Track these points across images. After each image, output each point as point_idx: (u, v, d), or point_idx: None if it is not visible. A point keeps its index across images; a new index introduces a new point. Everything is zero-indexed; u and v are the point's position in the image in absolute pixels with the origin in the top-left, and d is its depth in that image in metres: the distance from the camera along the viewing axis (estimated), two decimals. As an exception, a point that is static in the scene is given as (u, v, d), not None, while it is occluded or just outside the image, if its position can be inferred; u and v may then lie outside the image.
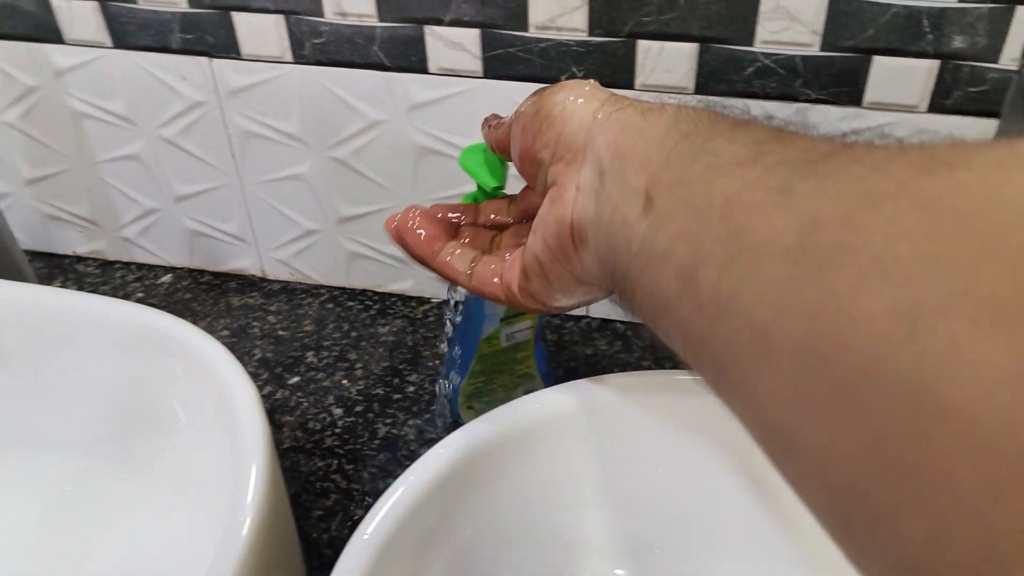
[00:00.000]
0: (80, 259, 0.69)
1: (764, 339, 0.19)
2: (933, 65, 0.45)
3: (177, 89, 0.58)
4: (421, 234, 0.37)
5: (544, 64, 0.51)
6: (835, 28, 0.46)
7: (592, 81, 0.32)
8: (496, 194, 0.40)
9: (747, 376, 0.20)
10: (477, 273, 0.36)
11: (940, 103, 0.46)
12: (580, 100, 0.30)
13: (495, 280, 0.36)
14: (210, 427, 0.43)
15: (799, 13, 0.45)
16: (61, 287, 0.66)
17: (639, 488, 0.42)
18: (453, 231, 0.39)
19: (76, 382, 0.49)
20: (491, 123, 0.38)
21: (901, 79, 0.46)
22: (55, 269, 0.68)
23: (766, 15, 0.46)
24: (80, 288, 0.66)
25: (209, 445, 0.43)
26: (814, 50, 0.47)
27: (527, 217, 0.39)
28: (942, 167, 0.17)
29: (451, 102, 0.53)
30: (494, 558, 0.40)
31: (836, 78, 0.47)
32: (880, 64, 0.46)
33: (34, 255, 0.69)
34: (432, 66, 0.52)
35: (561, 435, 0.41)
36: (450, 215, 0.39)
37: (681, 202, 0.24)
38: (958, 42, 0.44)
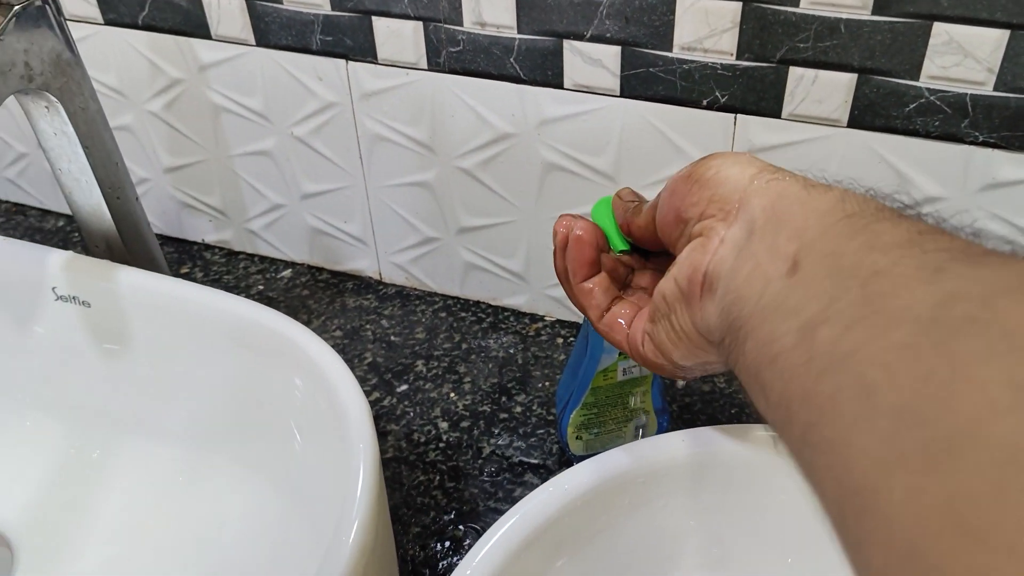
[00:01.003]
0: (208, 247, 0.71)
1: (869, 396, 0.19)
2: (1126, 113, 0.41)
3: (312, 89, 0.58)
4: (587, 247, 0.36)
5: (685, 87, 0.48)
6: (1013, 67, 0.41)
7: (746, 152, 0.32)
8: (622, 256, 0.38)
9: (841, 433, 0.20)
10: (611, 314, 0.36)
11: None
12: (736, 166, 0.30)
13: (622, 324, 0.35)
14: (321, 435, 0.43)
15: (973, 49, 0.42)
16: (188, 273, 0.68)
17: (752, 559, 0.40)
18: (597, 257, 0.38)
19: (197, 375, 0.49)
20: (624, 198, 0.37)
21: (1086, 126, 0.42)
22: (184, 255, 0.70)
23: (936, 48, 0.42)
24: (205, 275, 0.68)
25: (319, 454, 0.43)
26: (987, 89, 0.43)
27: (658, 270, 0.38)
28: None
29: (583, 119, 0.52)
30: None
31: (1009, 121, 0.43)
32: (1063, 108, 0.42)
33: (166, 240, 0.72)
34: (568, 81, 0.51)
35: (677, 485, 0.38)
36: (596, 235, 0.38)
37: (828, 269, 0.24)
38: None
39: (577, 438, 0.49)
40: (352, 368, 0.59)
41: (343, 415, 0.40)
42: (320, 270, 0.68)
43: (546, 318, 0.63)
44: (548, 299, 0.62)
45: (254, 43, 0.58)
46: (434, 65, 0.54)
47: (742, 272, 0.27)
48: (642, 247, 0.37)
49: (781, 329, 0.24)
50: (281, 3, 0.55)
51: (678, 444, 0.38)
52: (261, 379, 0.46)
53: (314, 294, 0.66)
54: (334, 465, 0.40)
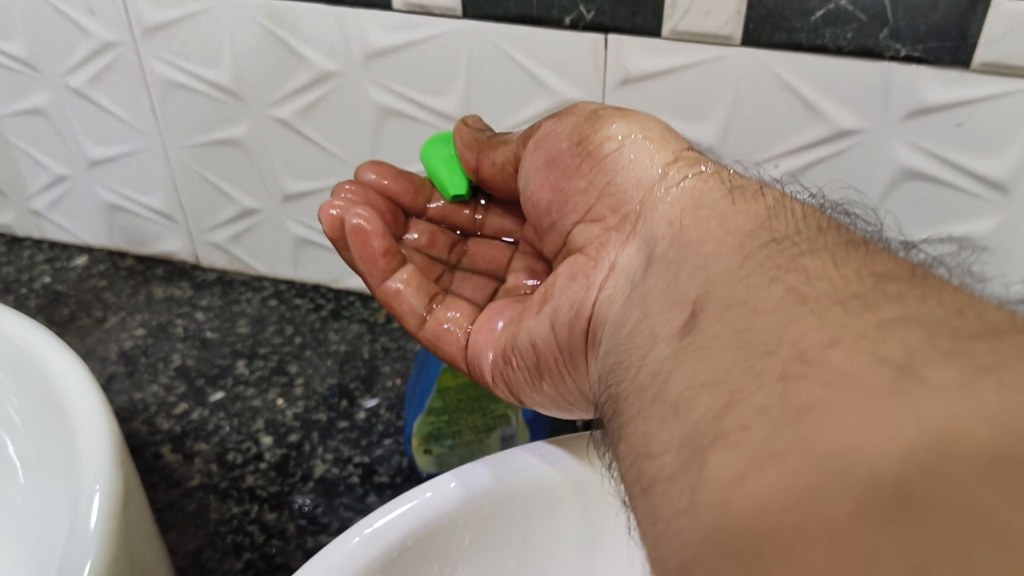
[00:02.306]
0: (-17, 234, 0.58)
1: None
2: (1078, 12, 0.33)
3: (84, 26, 0.46)
4: (372, 238, 0.25)
5: (542, 1, 0.38)
6: (943, -44, 0.33)
7: (660, 120, 0.23)
8: (457, 202, 0.28)
9: None
10: (434, 320, 0.26)
11: (1080, 66, 0.34)
12: (646, 143, 0.21)
13: (454, 334, 0.25)
14: (48, 467, 0.32)
15: (894, -68, 0.33)
16: (-46, 267, 0.55)
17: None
18: (402, 224, 0.27)
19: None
20: (471, 125, 0.27)
21: (1030, 30, 0.34)
22: (-49, 244, 0.57)
23: (847, -65, 0.33)
24: (-23, 269, 0.55)
25: (47, 492, 0.32)
26: (911, -13, 0.34)
27: (503, 234, 0.28)
28: None
29: (421, 49, 0.41)
30: None
31: (937, 28, 0.35)
32: (1001, 8, 0.33)
33: (-71, 227, 0.58)
34: (397, 0, 0.40)
35: (550, 508, 0.28)
36: (399, 196, 0.27)
37: (733, 332, 0.15)
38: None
39: (426, 452, 0.39)
40: (156, 374, 0.47)
41: (73, 441, 0.29)
42: (123, 255, 0.56)
43: (399, 301, 0.52)
44: (400, 278, 0.51)
45: (-3, -36, 0.45)
46: (228, -15, 0.42)
47: (626, 325, 0.19)
48: (488, 191, 0.27)
49: (658, 437, 0.16)
50: (24, -92, 0.43)
51: (533, 462, 0.28)
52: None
53: (113, 284, 0.53)
54: (66, 507, 0.28)
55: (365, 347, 0.49)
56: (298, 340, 0.49)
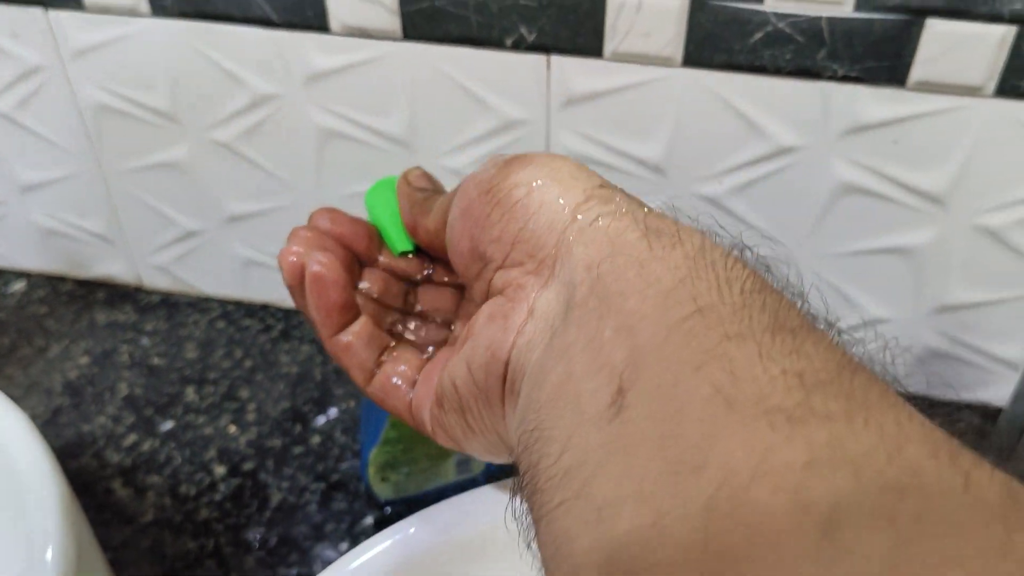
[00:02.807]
0: (-87, 260, 0.56)
1: None
2: (1008, 33, 0.34)
3: (8, 49, 0.44)
4: (331, 288, 0.25)
5: (483, 23, 0.38)
6: (877, -21, 0.33)
7: (570, 159, 0.22)
8: (405, 256, 0.28)
9: None
10: (383, 375, 0.26)
11: (1013, 84, 0.35)
12: (555, 186, 0.21)
13: (400, 388, 0.25)
14: None
15: (829, -42, 0.33)
16: None
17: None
18: (356, 273, 0.27)
19: None
20: (412, 183, 0.27)
21: (962, 50, 0.34)
22: None
23: (784, -40, 0.34)
24: (-92, 298, 0.53)
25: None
26: (846, 10, 0.34)
27: (452, 282, 0.28)
28: None
29: (361, 71, 0.40)
30: None
31: (873, 48, 0.35)
32: (935, 30, 0.34)
33: None
34: (335, 23, 0.39)
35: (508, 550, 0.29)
36: (353, 244, 0.27)
37: (660, 435, 0.15)
38: (1043, 1, 0.32)
39: (383, 480, 0.39)
40: (103, 404, 0.46)
41: (22, 505, 0.28)
42: (62, 279, 0.54)
43: (350, 318, 0.52)
44: (350, 295, 0.51)
45: (-89, -11, 0.43)
46: (158, 10, 0.41)
47: (551, 379, 0.19)
48: (431, 254, 0.27)
49: (580, 542, 0.16)
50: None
51: (494, 500, 0.28)
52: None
53: (54, 311, 0.52)
54: (14, 558, 0.28)
55: (317, 368, 0.49)
56: (248, 363, 0.49)
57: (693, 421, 0.15)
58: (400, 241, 0.27)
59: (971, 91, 0.35)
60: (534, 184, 0.21)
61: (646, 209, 0.20)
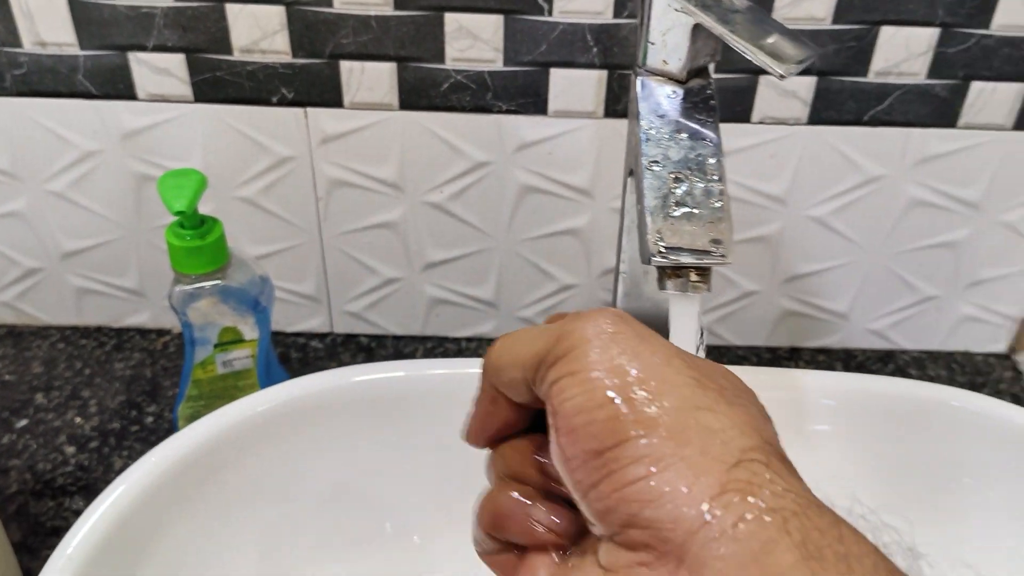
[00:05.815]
0: None
1: None
2: (601, 75, 0.52)
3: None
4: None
5: (253, 87, 0.52)
6: (514, 45, 0.51)
7: (707, 421, 0.19)
8: (179, 215, 0.41)
9: None
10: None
11: (613, 109, 0.53)
12: (683, 469, 0.18)
13: None
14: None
15: (480, 32, 0.50)
16: None
17: (350, 483, 0.45)
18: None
19: None
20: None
21: (576, 88, 0.52)
22: None
23: (452, 35, 0.50)
24: None
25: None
26: (498, 65, 0.51)
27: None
28: None
29: (163, 128, 0.54)
30: (209, 562, 0.41)
31: (521, 90, 0.52)
32: (557, 76, 0.52)
33: None
34: (140, 92, 0.53)
35: (274, 434, 0.42)
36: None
37: None
38: (619, 54, 0.51)
39: (200, 428, 0.51)
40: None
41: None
42: (-87, 324, 0.63)
43: (173, 331, 0.63)
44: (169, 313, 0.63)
45: None
46: (0, 90, 0.53)
47: None
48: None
49: None
50: None
51: (271, 395, 0.42)
52: None
53: (-92, 350, 0.61)
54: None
55: (148, 369, 0.60)
56: (87, 371, 0.60)
57: None
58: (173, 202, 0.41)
59: (588, 114, 0.53)
60: (660, 462, 0.18)
61: (795, 509, 0.17)
